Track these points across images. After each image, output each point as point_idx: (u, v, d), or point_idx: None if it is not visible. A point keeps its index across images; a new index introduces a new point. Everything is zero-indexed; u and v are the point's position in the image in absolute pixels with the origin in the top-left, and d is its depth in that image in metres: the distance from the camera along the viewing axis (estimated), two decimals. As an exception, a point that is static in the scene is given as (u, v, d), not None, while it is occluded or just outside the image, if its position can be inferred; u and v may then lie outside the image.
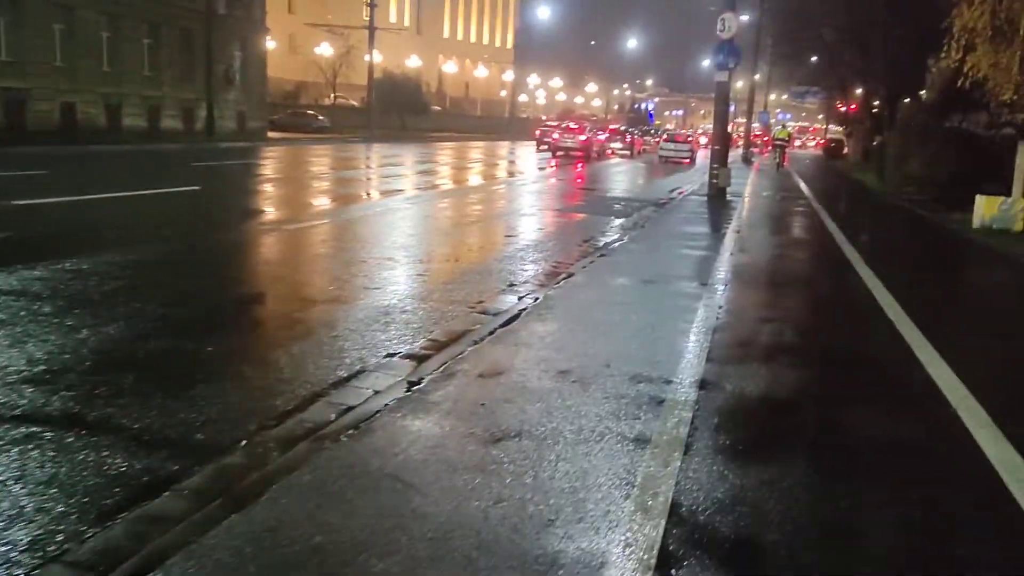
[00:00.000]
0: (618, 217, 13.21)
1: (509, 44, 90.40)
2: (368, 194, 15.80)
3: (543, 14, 75.08)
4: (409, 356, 4.98)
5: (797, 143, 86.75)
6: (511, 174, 25.17)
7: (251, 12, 40.96)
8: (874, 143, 36.48)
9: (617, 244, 9.91)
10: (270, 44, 61.72)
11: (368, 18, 42.14)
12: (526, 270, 8.22)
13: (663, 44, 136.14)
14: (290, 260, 8.68)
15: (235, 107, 39.83)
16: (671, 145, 40.02)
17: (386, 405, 4.01)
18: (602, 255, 9.01)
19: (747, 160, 38.06)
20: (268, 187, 16.57)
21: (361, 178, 20.05)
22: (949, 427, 4.03)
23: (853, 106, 57.22)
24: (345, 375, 4.57)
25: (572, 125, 38.65)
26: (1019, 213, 12.97)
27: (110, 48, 32.20)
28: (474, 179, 22.20)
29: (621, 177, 26.42)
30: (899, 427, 4.04)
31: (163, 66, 34.93)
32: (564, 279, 7.51)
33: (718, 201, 16.40)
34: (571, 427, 3.74)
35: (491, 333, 5.47)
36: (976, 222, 13.27)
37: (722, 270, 8.25)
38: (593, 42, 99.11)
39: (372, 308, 6.18)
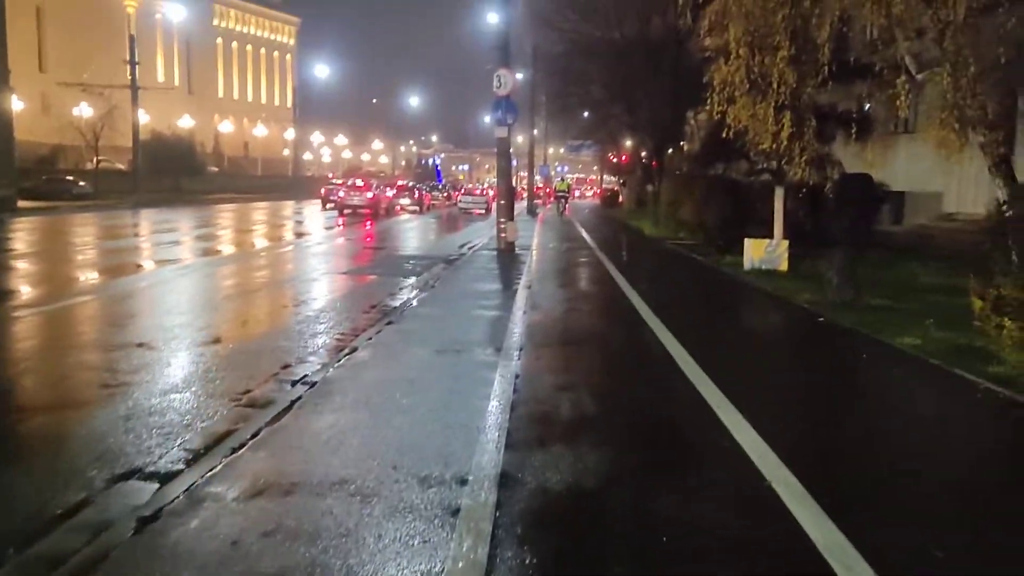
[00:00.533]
0: (407, 277, 12.66)
1: (289, 103, 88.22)
2: (134, 266, 14.07)
3: (322, 72, 74.22)
4: (149, 476, 4.05)
5: (576, 193, 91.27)
6: (297, 235, 23.97)
7: (-13, 70, 36.86)
8: (647, 191, 38.79)
9: (407, 308, 9.29)
10: (17, 104, 56.40)
11: (133, 78, 39.26)
12: (305, 346, 7.40)
13: (446, 101, 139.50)
14: (19, 351, 7.28)
15: (-29, 176, 35.56)
16: (469, 198, 44.10)
17: (107, 557, 3.10)
18: (390, 322, 8.36)
19: (532, 212, 39.16)
20: (10, 263, 14.38)
21: (126, 248, 18.10)
22: (767, 505, 3.72)
23: (624, 157, 61.06)
24: (59, 512, 3.59)
25: (358, 182, 37.90)
26: (783, 254, 13.82)
27: None
28: (257, 242, 20.86)
29: (411, 233, 26.01)
30: (717, 511, 3.68)
31: None
32: (348, 355, 6.78)
33: (507, 255, 16.30)
34: (345, 568, 3.03)
35: (255, 435, 4.63)
36: (747, 264, 13.98)
37: (516, 332, 7.86)
38: (375, 100, 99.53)
39: (112, 412, 5.14)
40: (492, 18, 18.56)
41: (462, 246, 19.64)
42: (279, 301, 10.52)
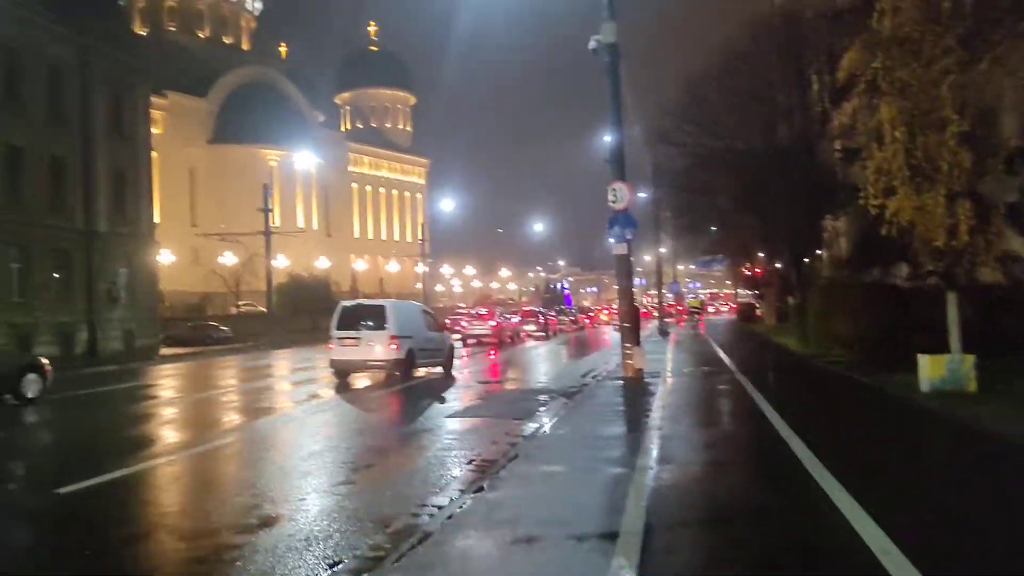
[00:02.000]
0: (518, 419, 11.04)
1: (419, 237, 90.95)
2: (264, 408, 13.54)
3: (448, 207, 76.30)
4: None
5: (710, 310, 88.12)
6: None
7: (137, 227, 39.25)
8: (788, 303, 36.08)
9: (506, 466, 7.60)
10: (170, 258, 60.43)
11: (266, 226, 40.96)
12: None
13: (572, 225, 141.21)
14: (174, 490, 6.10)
15: (121, 326, 37.11)
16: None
17: None
18: (480, 488, 6.70)
19: (663, 332, 37.04)
20: (153, 409, 14.03)
21: (254, 390, 17.76)
22: None
23: (758, 269, 58.30)
24: None
25: (481, 311, 37.22)
26: (969, 371, 11.36)
27: (-29, 277, 29.65)
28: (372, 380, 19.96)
29: (533, 363, 24.58)
30: None
31: (36, 290, 32.33)
32: (409, 551, 5.13)
33: (635, 386, 14.47)
34: None
35: None
36: (924, 385, 11.58)
37: (639, 502, 6.01)
38: (500, 229, 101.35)
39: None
40: (607, 137, 17.49)
41: (585, 375, 17.94)
42: (362, 459, 9.07)
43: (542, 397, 13.85)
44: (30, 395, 14.76)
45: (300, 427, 11.94)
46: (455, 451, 9.06)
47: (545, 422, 10.43)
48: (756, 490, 6.75)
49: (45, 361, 16.08)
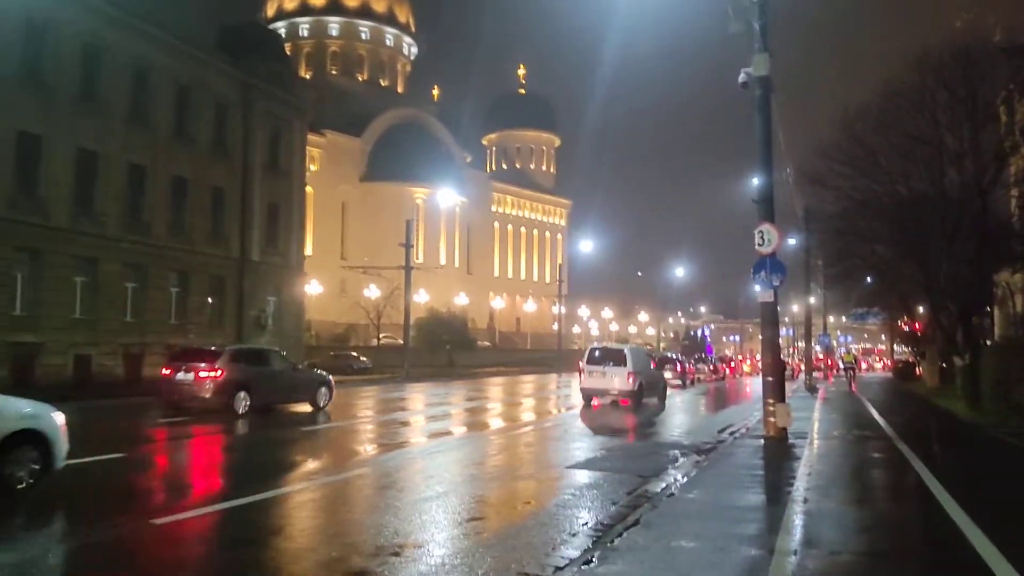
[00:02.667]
0: (642, 476, 10.07)
1: (557, 278, 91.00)
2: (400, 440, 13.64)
3: (588, 248, 75.69)
4: None
5: (864, 366, 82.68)
6: (539, 414, 22.31)
7: (287, 258, 40.92)
8: (954, 364, 32.91)
9: (617, 539, 6.61)
10: (318, 288, 62.90)
11: (407, 260, 41.74)
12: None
13: (715, 270, 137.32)
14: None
15: (268, 352, 38.53)
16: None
17: None
18: (587, 562, 5.83)
19: (811, 388, 34.57)
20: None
21: (392, 422, 18.22)
22: None
23: (917, 325, 53.94)
24: None
25: (614, 357, 36.05)
26: None
27: (135, 298, 31.55)
28: (493, 422, 19.46)
29: (666, 413, 23.29)
30: None
31: (191, 313, 34.13)
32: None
33: (777, 447, 13.11)
34: None
35: None
36: None
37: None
38: (640, 273, 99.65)
39: None
40: (755, 180, 16.33)
41: (723, 430, 16.62)
42: (466, 511, 8.38)
43: (673, 453, 12.77)
44: (321, 404, 19.96)
45: (419, 467, 11.46)
46: (569, 510, 8.22)
47: (673, 483, 9.42)
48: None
49: (332, 378, 21.08)
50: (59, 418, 8.59)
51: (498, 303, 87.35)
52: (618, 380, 22.95)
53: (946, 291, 31.78)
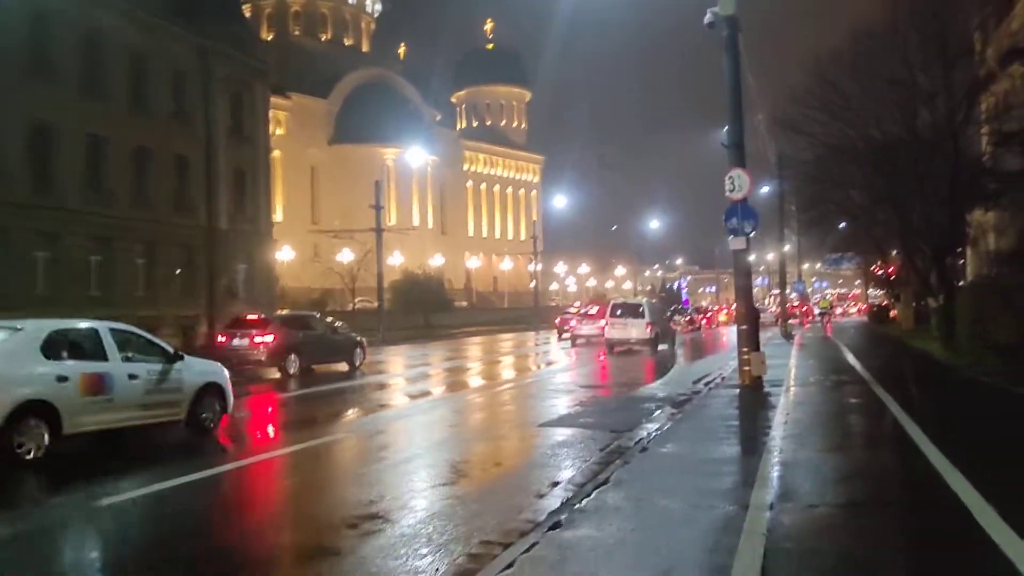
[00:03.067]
0: (615, 431, 9.86)
1: (533, 235, 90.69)
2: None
3: (561, 204, 75.19)
4: None
5: (838, 311, 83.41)
6: (518, 371, 22.16)
7: (256, 225, 40.17)
8: (928, 305, 33.13)
9: (588, 497, 6.35)
10: (289, 254, 62.06)
11: (378, 222, 41.07)
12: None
13: (690, 222, 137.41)
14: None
15: (240, 320, 37.95)
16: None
17: None
18: (555, 525, 5.59)
19: (787, 335, 34.63)
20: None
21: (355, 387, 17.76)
22: None
23: (892, 268, 54.24)
24: None
25: (591, 311, 35.92)
26: None
27: (100, 271, 30.81)
28: (472, 381, 19.28)
29: (642, 366, 23.20)
30: None
31: (159, 285, 33.42)
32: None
33: (753, 395, 12.98)
34: None
35: None
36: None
37: (755, 560, 4.71)
38: (615, 227, 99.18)
39: None
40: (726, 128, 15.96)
41: (698, 381, 16.49)
42: (432, 478, 8.12)
43: (648, 406, 12.60)
44: (357, 363, 21.78)
45: (398, 428, 11.21)
46: (539, 469, 8.00)
47: (646, 437, 9.20)
48: (910, 547, 5.27)
49: (364, 340, 23.28)
50: (227, 374, 11.16)
51: (474, 263, 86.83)
52: (636, 331, 26.81)
53: (920, 233, 31.81)
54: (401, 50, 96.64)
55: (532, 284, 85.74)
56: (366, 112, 77.41)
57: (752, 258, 27.86)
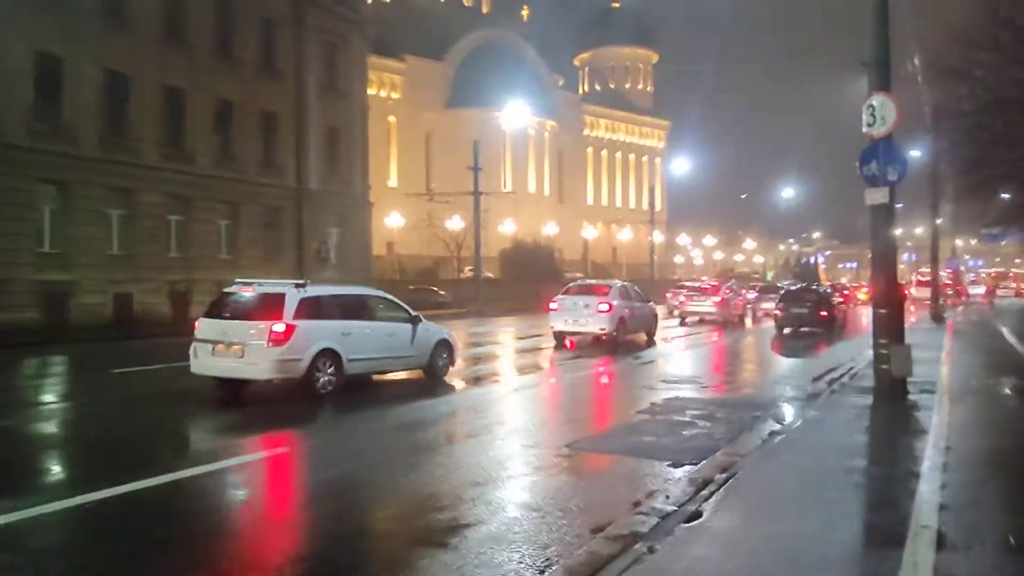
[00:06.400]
0: (672, 466, 6.54)
1: (658, 206, 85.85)
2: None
3: (686, 171, 70.10)
4: None
5: (1000, 292, 74.67)
6: (614, 356, 18.75)
7: (350, 186, 38.17)
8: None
9: None
10: (399, 220, 60.54)
11: (475, 185, 38.32)
12: None
13: (830, 194, 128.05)
14: None
15: (331, 286, 36.20)
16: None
17: None
18: None
19: (937, 318, 29.44)
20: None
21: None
22: None
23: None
24: None
25: (703, 284, 31.89)
26: None
27: (179, 231, 29.51)
28: (541, 362, 16.12)
29: (755, 353, 19.39)
30: None
31: (243, 248, 31.95)
32: None
33: (891, 411, 9.25)
34: None
35: None
36: None
37: None
38: (744, 195, 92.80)
39: None
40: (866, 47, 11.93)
41: (819, 378, 12.77)
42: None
43: (735, 417, 9.13)
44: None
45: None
46: (516, 546, 4.82)
47: (716, 478, 5.85)
48: None
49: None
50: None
51: (592, 232, 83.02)
52: (709, 304, 28.40)
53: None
54: (524, 11, 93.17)
55: (652, 255, 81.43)
56: (484, 75, 74.70)
57: (898, 232, 23.41)
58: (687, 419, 9.11)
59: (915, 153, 30.80)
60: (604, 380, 14.16)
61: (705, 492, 5.51)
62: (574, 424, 9.22)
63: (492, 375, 14.75)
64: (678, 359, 17.43)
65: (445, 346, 13.09)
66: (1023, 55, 26.60)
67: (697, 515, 5.00)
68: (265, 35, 33.30)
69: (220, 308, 11.21)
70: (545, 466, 6.83)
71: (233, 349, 10.56)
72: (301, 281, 11.84)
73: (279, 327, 10.45)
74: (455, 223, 55.87)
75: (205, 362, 10.82)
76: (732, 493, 5.55)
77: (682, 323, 28.83)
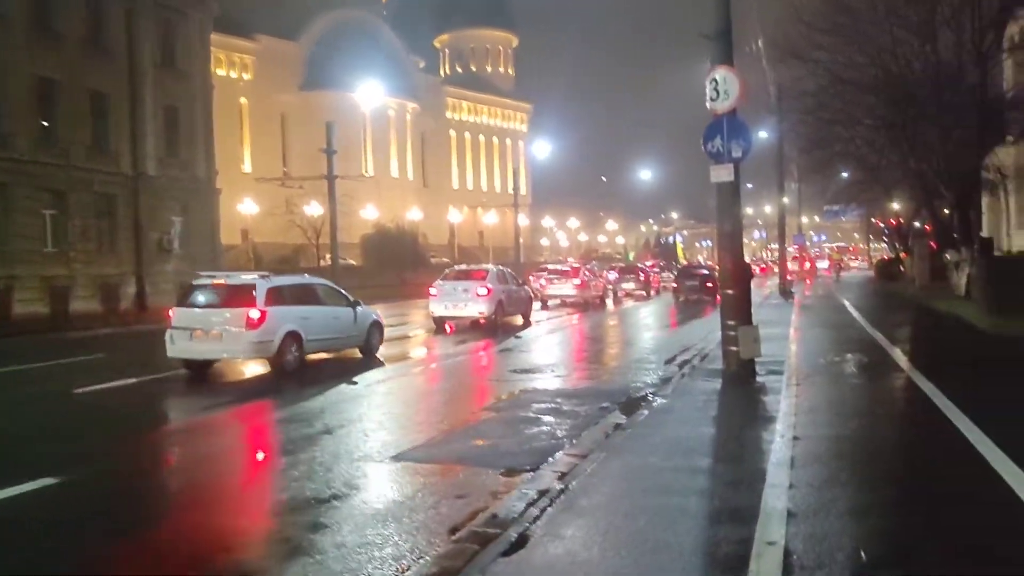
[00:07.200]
0: (508, 474, 5.88)
1: (522, 189, 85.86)
2: None
3: (547, 154, 70.41)
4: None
5: (855, 265, 79.41)
6: (459, 343, 18.01)
7: (193, 171, 35.67)
8: (945, 259, 29.13)
9: None
10: (253, 207, 57.73)
11: (329, 169, 36.59)
12: None
13: (686, 173, 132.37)
14: None
15: (176, 279, 33.50)
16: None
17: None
18: None
19: (785, 293, 30.47)
20: None
21: None
22: None
23: (893, 221, 50.02)
24: None
25: (563, 268, 31.77)
26: None
27: (-4, 223, 26.60)
28: (416, 352, 15.21)
29: (610, 335, 19.21)
30: None
31: (73, 239, 29.18)
32: None
33: (742, 390, 8.99)
34: None
35: None
36: None
37: None
38: (604, 178, 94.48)
39: None
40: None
41: (671, 360, 12.53)
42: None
43: (583, 410, 8.60)
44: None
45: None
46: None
47: (552, 488, 5.21)
48: None
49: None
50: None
51: (456, 216, 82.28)
52: (568, 288, 28.88)
53: (941, 175, 27.73)
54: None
55: (518, 239, 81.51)
56: (339, 56, 72.13)
57: (749, 211, 23.47)
58: (532, 415, 8.47)
59: (763, 134, 31.67)
60: (453, 375, 13.44)
61: (535, 510, 4.83)
62: (415, 427, 8.42)
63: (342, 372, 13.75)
64: (536, 345, 16.92)
65: (377, 327, 14.64)
66: (856, 37, 27.88)
67: (522, 542, 4.31)
68: (91, 7, 30.45)
69: (192, 298, 12.41)
70: (357, 487, 5.97)
71: (212, 334, 11.83)
72: (265, 273, 13.64)
73: (255, 313, 11.74)
74: (314, 209, 53.62)
75: (183, 347, 11.95)
76: (566, 508, 4.92)
77: (544, 306, 28.56)
